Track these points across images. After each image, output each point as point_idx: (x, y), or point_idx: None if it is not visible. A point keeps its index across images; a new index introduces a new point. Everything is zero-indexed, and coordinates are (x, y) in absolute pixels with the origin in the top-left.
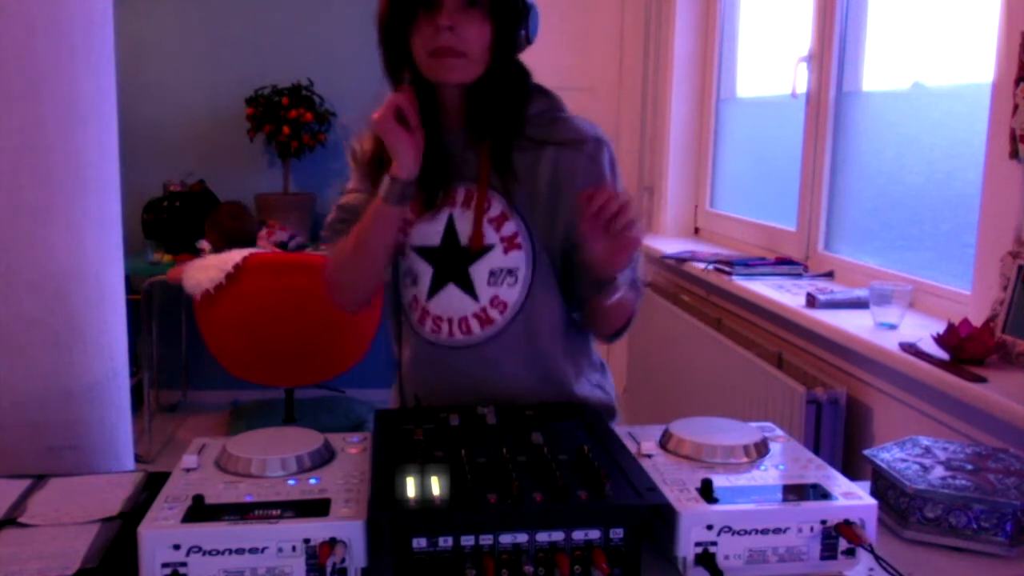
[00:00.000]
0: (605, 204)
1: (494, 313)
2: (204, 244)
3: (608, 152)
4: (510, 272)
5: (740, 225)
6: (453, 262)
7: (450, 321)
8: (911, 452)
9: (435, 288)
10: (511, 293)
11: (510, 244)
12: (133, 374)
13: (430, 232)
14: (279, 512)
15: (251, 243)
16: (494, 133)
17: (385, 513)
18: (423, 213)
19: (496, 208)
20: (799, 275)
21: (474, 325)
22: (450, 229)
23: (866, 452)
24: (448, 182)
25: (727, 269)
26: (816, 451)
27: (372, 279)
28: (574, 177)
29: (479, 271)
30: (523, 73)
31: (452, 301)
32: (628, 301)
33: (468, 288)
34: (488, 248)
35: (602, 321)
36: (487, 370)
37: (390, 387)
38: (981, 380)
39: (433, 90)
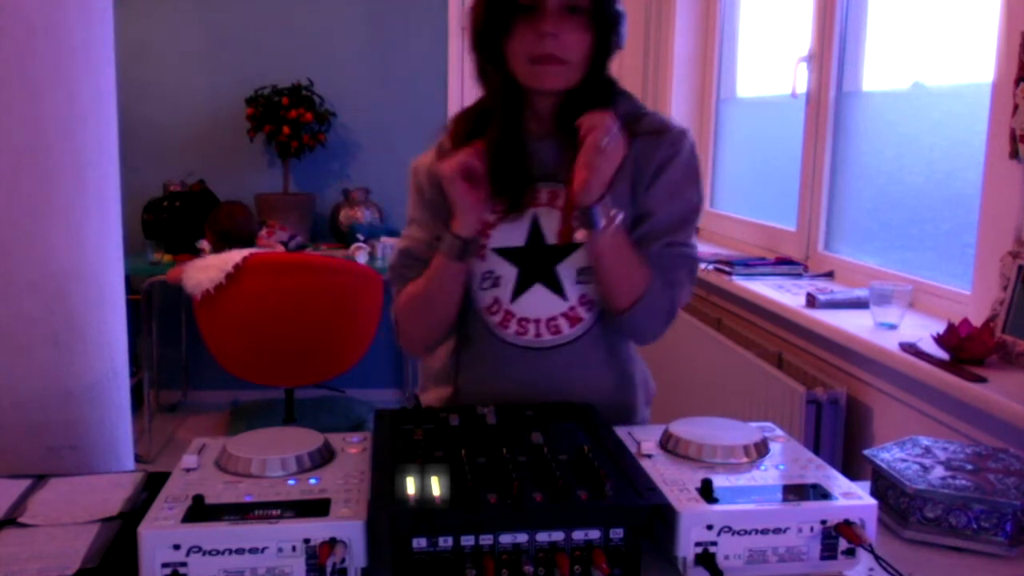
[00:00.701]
0: (593, 127)
1: (582, 311)
2: (204, 244)
3: (689, 143)
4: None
5: (740, 225)
6: (539, 262)
7: (537, 322)
8: (911, 452)
9: (520, 289)
10: (594, 291)
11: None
12: (133, 374)
13: (513, 233)
14: (279, 512)
15: (251, 243)
16: (578, 141)
17: (385, 513)
18: (506, 214)
19: None
20: (799, 275)
21: (563, 325)
22: (535, 229)
23: (866, 452)
24: (531, 183)
25: (727, 269)
26: (816, 451)
27: (445, 328)
28: (652, 164)
29: (567, 269)
30: (611, 78)
31: (539, 301)
32: (625, 260)
33: (556, 287)
34: (576, 246)
35: (605, 289)
36: (572, 369)
37: (399, 388)
38: (981, 380)
39: (522, 93)
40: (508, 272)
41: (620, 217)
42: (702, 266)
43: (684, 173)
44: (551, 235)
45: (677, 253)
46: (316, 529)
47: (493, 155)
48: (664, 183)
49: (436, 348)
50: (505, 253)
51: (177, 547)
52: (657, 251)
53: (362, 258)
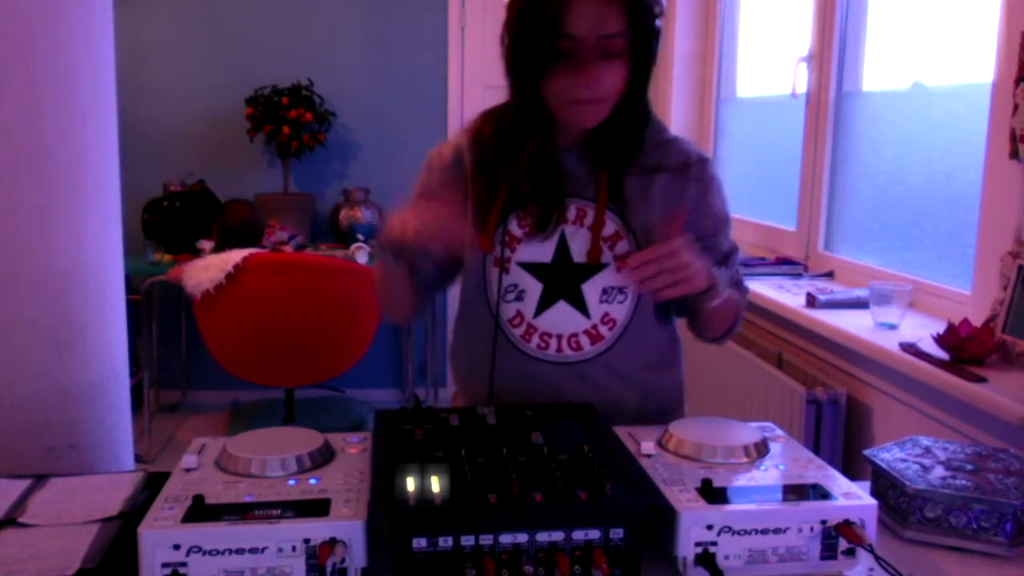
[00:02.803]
0: (641, 267)
1: (604, 330)
2: (204, 244)
3: (711, 170)
4: (620, 290)
5: (740, 225)
6: (565, 279)
7: (559, 338)
8: (911, 452)
9: (544, 305)
10: (620, 311)
11: (622, 263)
12: (133, 374)
13: (541, 249)
14: (279, 512)
15: (257, 242)
16: (614, 161)
17: (385, 513)
18: (536, 230)
19: (610, 227)
20: (799, 275)
21: (584, 342)
22: (562, 246)
23: (866, 452)
24: (562, 200)
25: None
26: (816, 451)
27: (412, 306)
28: (684, 201)
29: (592, 288)
30: (646, 100)
31: (562, 318)
32: (733, 301)
33: (579, 305)
34: (603, 266)
35: (710, 325)
36: (589, 386)
37: (399, 388)
38: (981, 380)
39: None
40: (533, 287)
41: (724, 277)
42: None
43: (718, 202)
44: (578, 253)
45: (732, 262)
46: (316, 529)
47: (527, 171)
48: (705, 217)
49: (409, 319)
50: (531, 268)
51: (177, 547)
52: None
53: (362, 258)
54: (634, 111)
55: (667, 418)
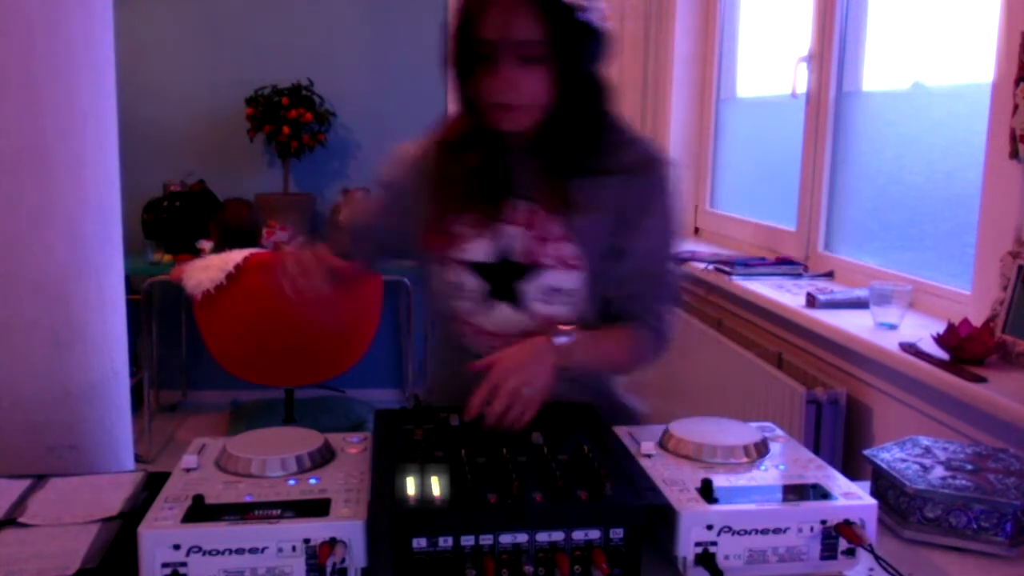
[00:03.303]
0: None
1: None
2: (204, 244)
3: (666, 173)
4: (562, 291)
5: (740, 225)
6: (505, 279)
7: (505, 338)
8: (911, 452)
9: (487, 304)
10: (562, 312)
11: (564, 264)
12: (133, 374)
13: (484, 248)
14: (279, 512)
15: (256, 242)
16: (560, 164)
17: (385, 513)
18: (479, 229)
19: (555, 228)
20: (799, 275)
21: None
22: (505, 246)
23: (866, 452)
24: (506, 198)
25: (727, 269)
26: (816, 451)
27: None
28: (635, 203)
29: (531, 289)
30: (594, 104)
31: (504, 318)
32: (610, 355)
33: (519, 305)
34: (543, 267)
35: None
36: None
37: (399, 388)
38: (981, 380)
39: None
40: (476, 286)
41: (574, 341)
42: (702, 266)
43: (666, 211)
44: (519, 254)
45: (660, 296)
46: (316, 529)
47: (473, 172)
48: (650, 223)
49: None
50: (474, 268)
51: (177, 547)
52: (639, 292)
53: None
54: (576, 116)
55: (618, 418)
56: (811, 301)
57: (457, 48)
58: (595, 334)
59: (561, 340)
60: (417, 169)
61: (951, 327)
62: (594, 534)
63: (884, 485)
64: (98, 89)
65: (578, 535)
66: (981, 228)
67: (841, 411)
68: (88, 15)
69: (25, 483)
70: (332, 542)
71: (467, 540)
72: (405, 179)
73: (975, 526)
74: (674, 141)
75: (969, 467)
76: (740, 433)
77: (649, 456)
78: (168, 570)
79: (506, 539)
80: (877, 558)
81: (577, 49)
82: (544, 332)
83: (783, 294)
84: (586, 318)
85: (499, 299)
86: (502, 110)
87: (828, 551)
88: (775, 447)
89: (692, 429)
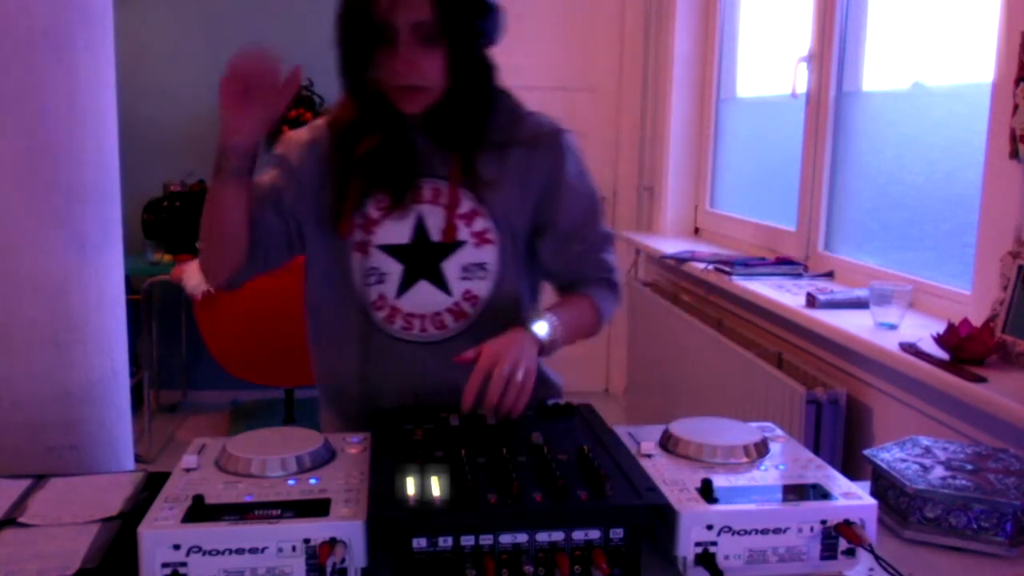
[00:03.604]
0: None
1: (466, 307)
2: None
3: (568, 142)
4: (480, 266)
5: (740, 225)
6: (424, 259)
7: (423, 318)
8: (911, 452)
9: (406, 285)
10: (482, 286)
11: (480, 239)
12: (133, 374)
13: (398, 230)
14: (279, 512)
15: None
16: (462, 140)
17: (385, 513)
18: (391, 211)
19: (465, 205)
20: (799, 275)
21: (448, 320)
22: (420, 226)
23: (866, 452)
24: (415, 179)
25: (727, 269)
26: (816, 451)
27: (237, 254)
28: (539, 174)
29: (451, 266)
30: (486, 81)
31: (424, 297)
32: (586, 323)
33: (440, 284)
34: (460, 243)
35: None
36: (456, 364)
37: (321, 384)
38: (981, 380)
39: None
40: (394, 269)
41: (554, 324)
42: (701, 266)
43: (576, 173)
44: (435, 232)
45: (599, 247)
46: (316, 529)
47: (377, 154)
48: (562, 190)
49: (238, 280)
50: (390, 250)
51: (177, 547)
52: (580, 252)
53: None
54: (468, 92)
55: (547, 391)
56: (811, 301)
57: (350, 31)
58: (566, 310)
59: (543, 330)
60: (314, 155)
61: (951, 327)
62: (594, 534)
63: (884, 485)
64: (98, 89)
65: (578, 535)
66: (981, 228)
67: (841, 411)
68: (88, 15)
69: (25, 483)
70: (332, 542)
71: (467, 540)
72: (301, 164)
73: (975, 526)
74: (674, 141)
75: (969, 467)
76: (740, 433)
77: (649, 456)
78: (168, 570)
79: (506, 539)
80: (877, 558)
81: (473, 26)
82: (462, 309)
83: (783, 294)
84: (504, 290)
85: (418, 280)
86: (405, 91)
87: (828, 551)
88: (775, 447)
89: (692, 429)
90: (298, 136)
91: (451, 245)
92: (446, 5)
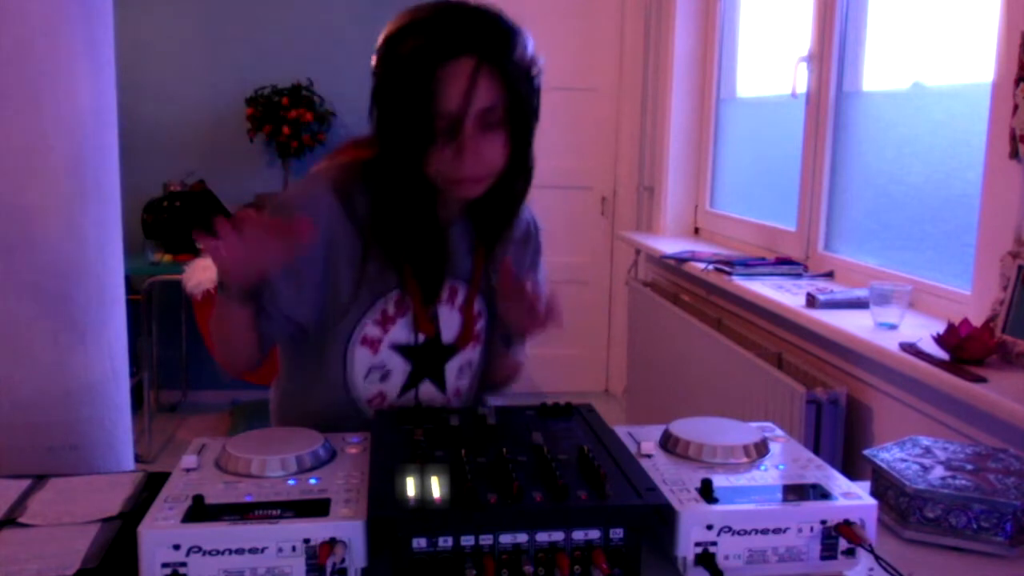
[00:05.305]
0: (524, 293)
1: (455, 402)
2: None
3: (539, 237)
4: (470, 364)
5: (740, 225)
6: (433, 359)
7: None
8: (911, 452)
9: (410, 385)
10: (468, 382)
11: (477, 340)
12: (133, 374)
13: (411, 329)
14: (279, 512)
15: None
16: (491, 237)
17: (385, 513)
18: (407, 308)
19: (477, 306)
20: (799, 275)
21: None
22: (436, 328)
23: (866, 452)
24: (444, 280)
25: (727, 269)
26: (816, 451)
27: (250, 351)
28: (523, 267)
29: (452, 366)
30: (532, 165)
31: (422, 396)
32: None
33: (440, 383)
34: (466, 344)
35: (498, 369)
36: None
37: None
38: (981, 380)
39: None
40: (400, 367)
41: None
42: (701, 266)
43: (541, 264)
44: (448, 333)
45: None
46: (316, 529)
47: (416, 253)
48: (532, 271)
49: (254, 367)
50: (401, 349)
51: (177, 547)
52: None
53: None
54: (517, 176)
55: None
56: (811, 301)
57: (408, 124)
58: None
59: None
60: (342, 215)
61: (951, 327)
62: (594, 534)
63: (884, 485)
64: (98, 89)
65: (578, 535)
66: (981, 228)
67: (841, 411)
68: (88, 15)
69: (25, 483)
70: (332, 542)
71: (467, 540)
72: (330, 222)
73: (975, 526)
74: (674, 141)
75: (969, 467)
76: (740, 433)
77: (649, 456)
78: (168, 570)
79: (506, 539)
80: (877, 558)
81: (531, 107)
82: (450, 405)
83: (783, 294)
84: (481, 382)
85: (423, 379)
86: (467, 182)
87: (828, 551)
88: (775, 447)
89: (692, 429)
90: (327, 183)
91: (459, 347)
92: (515, 89)
